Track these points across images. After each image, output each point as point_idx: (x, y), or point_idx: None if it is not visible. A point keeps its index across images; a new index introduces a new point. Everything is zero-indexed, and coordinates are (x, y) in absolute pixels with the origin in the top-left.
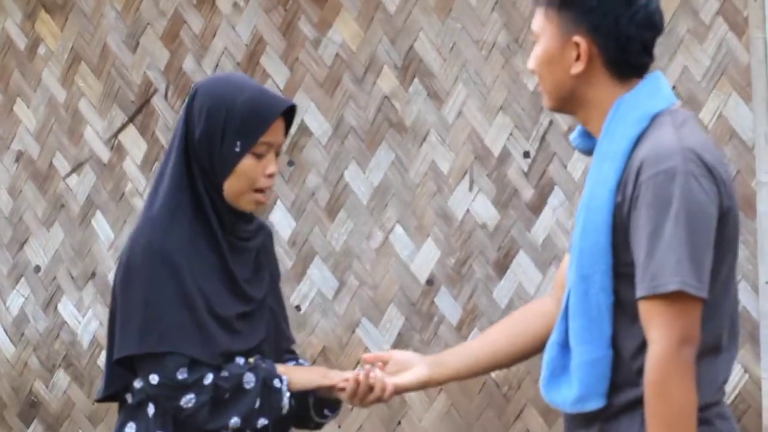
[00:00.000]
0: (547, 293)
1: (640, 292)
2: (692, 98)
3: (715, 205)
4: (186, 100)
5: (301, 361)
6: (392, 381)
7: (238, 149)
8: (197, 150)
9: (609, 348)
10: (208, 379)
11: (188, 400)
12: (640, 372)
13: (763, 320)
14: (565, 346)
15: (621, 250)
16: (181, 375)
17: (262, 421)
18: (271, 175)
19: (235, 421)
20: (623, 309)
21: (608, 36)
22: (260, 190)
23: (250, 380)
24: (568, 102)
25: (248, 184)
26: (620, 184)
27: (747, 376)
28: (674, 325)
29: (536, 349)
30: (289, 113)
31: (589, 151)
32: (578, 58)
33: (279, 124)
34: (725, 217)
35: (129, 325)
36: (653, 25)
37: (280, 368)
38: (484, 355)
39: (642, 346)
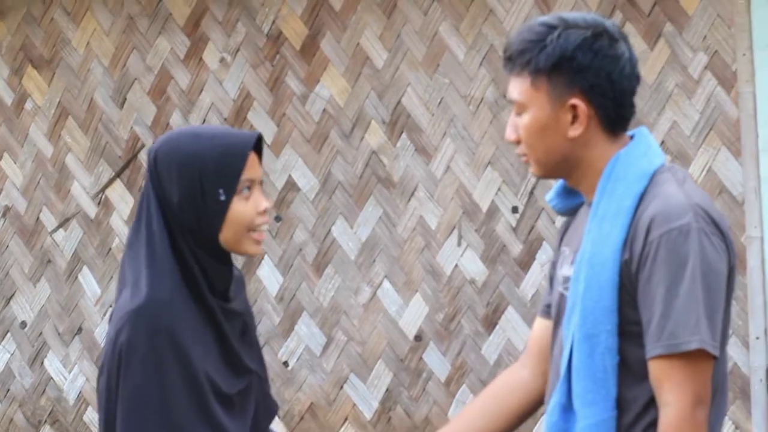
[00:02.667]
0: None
1: (655, 350)
2: (682, 153)
3: (725, 264)
4: (148, 168)
5: None
6: None
7: (223, 197)
8: (179, 214)
9: (614, 409)
10: None
11: None
12: (645, 431)
13: (754, 376)
14: (567, 408)
15: (627, 308)
16: None
17: None
18: (264, 211)
19: None
20: (628, 368)
21: (604, 94)
22: (258, 228)
23: None
24: (559, 167)
25: (243, 227)
26: (626, 242)
27: None
28: (690, 386)
29: (514, 426)
30: (258, 144)
31: (566, 212)
32: (574, 120)
33: (254, 159)
34: (731, 274)
35: (136, 417)
36: (637, 76)
37: None
38: None
39: (647, 406)
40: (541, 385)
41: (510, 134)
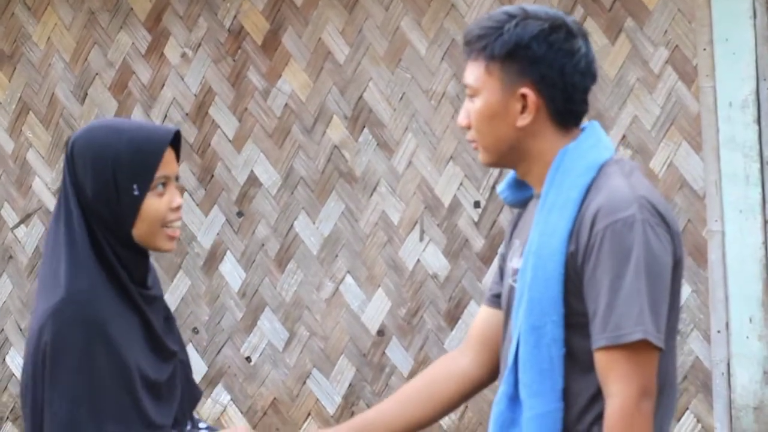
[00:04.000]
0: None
1: (599, 342)
2: (643, 147)
3: (670, 255)
4: (64, 157)
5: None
6: None
7: (136, 192)
8: (94, 206)
9: (560, 400)
10: None
11: None
12: (592, 423)
13: (715, 369)
14: (514, 398)
15: (573, 299)
16: None
17: None
18: (177, 208)
19: None
20: (574, 360)
21: (555, 86)
22: (170, 225)
23: None
24: (507, 156)
25: (156, 223)
26: (572, 234)
27: (700, 425)
28: (635, 377)
29: (445, 413)
30: (176, 140)
31: (517, 204)
32: (523, 110)
33: (170, 155)
34: (677, 267)
35: (64, 407)
36: (593, 74)
37: None
38: (402, 422)
39: (594, 398)
40: (479, 375)
41: (462, 119)
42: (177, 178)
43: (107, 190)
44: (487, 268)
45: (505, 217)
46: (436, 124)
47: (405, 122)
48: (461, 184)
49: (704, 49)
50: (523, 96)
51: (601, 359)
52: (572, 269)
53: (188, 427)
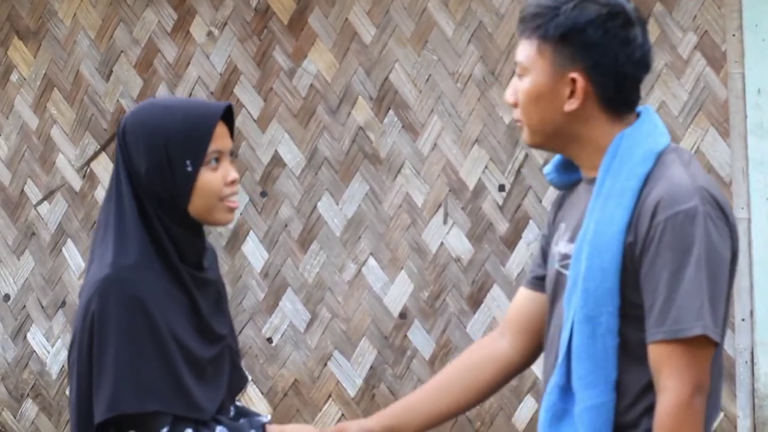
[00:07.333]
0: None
1: (656, 335)
2: (670, 133)
3: (729, 249)
4: (117, 139)
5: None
6: None
7: (190, 169)
8: (148, 185)
9: (613, 392)
10: None
11: None
12: (642, 415)
13: (739, 358)
14: (566, 389)
15: (629, 291)
16: None
17: None
18: (233, 182)
19: None
20: (627, 351)
21: (606, 74)
22: (227, 199)
23: None
24: (553, 139)
25: (213, 198)
26: (631, 224)
27: (722, 414)
28: (690, 373)
29: (486, 397)
30: (228, 115)
31: (564, 186)
32: (572, 94)
33: (222, 129)
34: (733, 260)
35: (109, 382)
36: (647, 64)
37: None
38: (437, 411)
39: (644, 390)
40: (518, 359)
41: (509, 96)
42: (232, 153)
43: (161, 168)
44: (511, 252)
45: (530, 201)
46: (461, 106)
47: (430, 104)
48: (486, 167)
49: (733, 35)
50: (573, 81)
51: (656, 352)
52: (629, 260)
53: (231, 413)
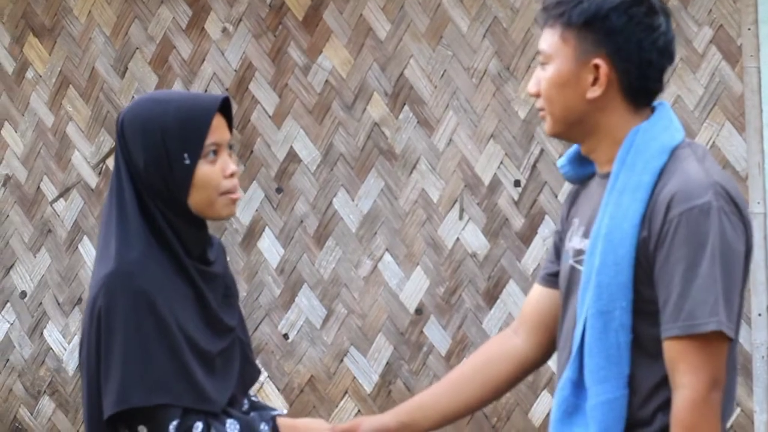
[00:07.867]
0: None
1: (671, 331)
2: (685, 128)
3: (743, 244)
4: (116, 133)
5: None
6: None
7: (188, 162)
8: (146, 179)
9: (626, 387)
10: (198, 429)
11: None
12: (656, 412)
13: (756, 353)
14: (579, 384)
15: (642, 286)
16: (173, 426)
17: None
18: (232, 175)
19: None
20: (641, 346)
21: (630, 61)
22: (227, 192)
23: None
24: (574, 128)
25: (212, 191)
26: (645, 219)
27: (739, 409)
28: (706, 368)
29: (501, 393)
30: (226, 108)
31: (577, 179)
32: (595, 82)
33: (220, 122)
34: (748, 255)
35: (117, 377)
36: (670, 53)
37: (281, 421)
38: (453, 407)
39: (659, 385)
40: (533, 355)
41: (532, 86)
42: (231, 147)
43: (159, 161)
44: (527, 248)
45: (546, 197)
46: (477, 101)
47: (446, 100)
48: (501, 162)
49: (749, 29)
50: (596, 67)
51: (671, 348)
52: (643, 255)
53: (245, 407)
